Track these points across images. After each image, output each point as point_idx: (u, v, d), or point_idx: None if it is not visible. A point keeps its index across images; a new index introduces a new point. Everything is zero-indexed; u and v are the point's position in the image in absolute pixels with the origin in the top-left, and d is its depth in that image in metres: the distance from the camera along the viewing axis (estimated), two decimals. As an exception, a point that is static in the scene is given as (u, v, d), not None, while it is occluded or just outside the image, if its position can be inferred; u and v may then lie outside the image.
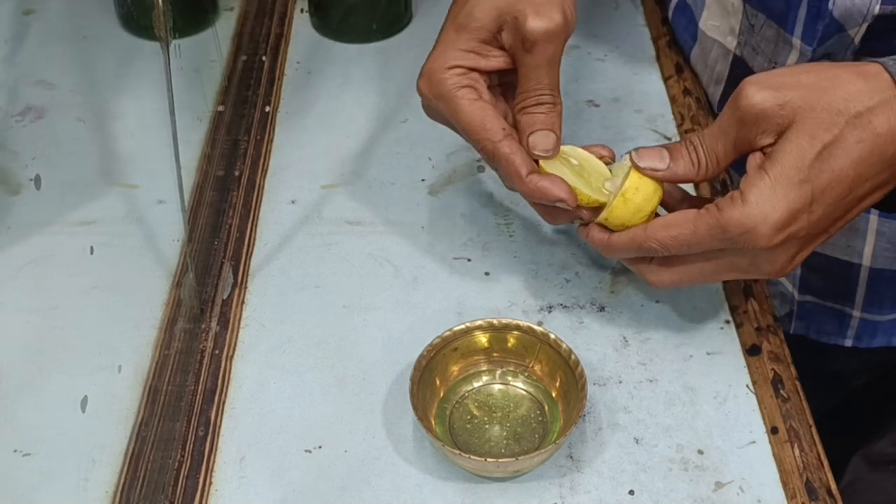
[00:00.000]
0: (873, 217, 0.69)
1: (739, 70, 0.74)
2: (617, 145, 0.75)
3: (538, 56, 0.58)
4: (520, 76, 0.60)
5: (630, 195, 0.57)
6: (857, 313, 0.74)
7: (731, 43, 0.75)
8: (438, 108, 0.61)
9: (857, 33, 0.64)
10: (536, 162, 0.59)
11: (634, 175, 0.57)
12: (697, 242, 0.55)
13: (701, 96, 0.80)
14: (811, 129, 0.52)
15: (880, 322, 0.75)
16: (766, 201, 0.52)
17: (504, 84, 0.63)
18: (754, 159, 0.54)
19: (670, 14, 0.84)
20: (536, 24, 0.57)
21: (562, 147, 0.60)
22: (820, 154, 0.52)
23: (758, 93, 0.53)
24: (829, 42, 0.65)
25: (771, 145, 0.53)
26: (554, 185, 0.57)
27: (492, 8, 0.59)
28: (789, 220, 0.52)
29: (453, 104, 0.60)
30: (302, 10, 0.91)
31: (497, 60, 0.60)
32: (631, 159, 0.57)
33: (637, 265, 0.59)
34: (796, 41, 0.67)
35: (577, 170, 0.59)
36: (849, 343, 0.76)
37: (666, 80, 0.83)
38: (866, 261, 0.71)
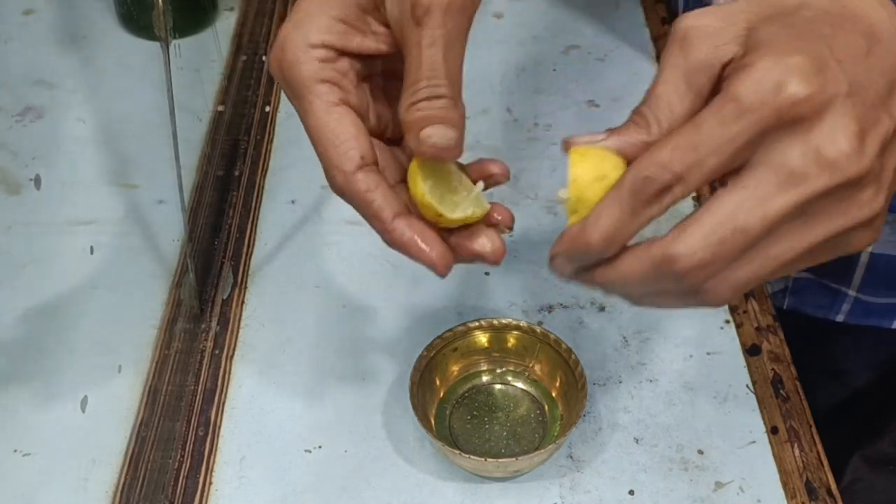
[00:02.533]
0: None
1: None
2: (617, 145, 0.75)
3: (432, 29, 0.42)
4: (407, 62, 0.44)
5: (579, 179, 0.42)
6: (852, 292, 0.74)
7: None
8: (289, 96, 0.47)
9: None
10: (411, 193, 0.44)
11: (575, 155, 0.42)
12: (708, 140, 0.38)
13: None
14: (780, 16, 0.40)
15: (874, 304, 0.75)
16: (773, 54, 0.38)
17: (389, 75, 0.48)
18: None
19: (680, 7, 0.84)
20: None
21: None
22: (809, 19, 0.40)
23: (697, 16, 0.41)
24: None
25: (739, 59, 0.40)
26: (426, 241, 0.44)
27: None
28: (819, 66, 0.38)
29: (305, 102, 0.45)
30: (302, 10, 0.91)
31: (376, 40, 0.45)
32: (563, 145, 0.43)
33: (649, 255, 0.40)
34: None
35: (452, 186, 0.46)
36: (840, 318, 0.76)
37: (666, 79, 0.82)
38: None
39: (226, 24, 0.90)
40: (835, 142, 0.38)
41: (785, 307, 0.78)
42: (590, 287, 0.44)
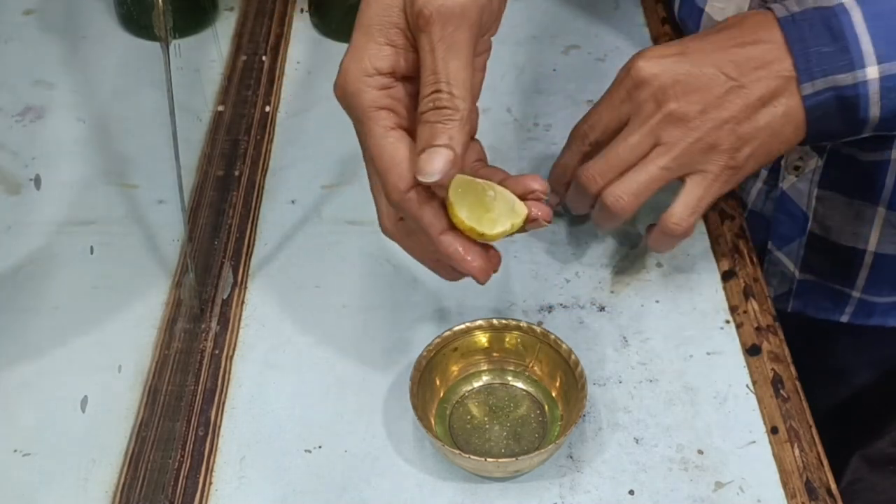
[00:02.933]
0: (881, 209, 0.69)
1: None
2: (617, 145, 0.75)
3: (434, 35, 0.48)
4: (420, 70, 0.49)
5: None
6: (856, 293, 0.74)
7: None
8: (352, 119, 0.53)
9: None
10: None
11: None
12: (607, 100, 0.61)
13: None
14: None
15: (878, 303, 0.75)
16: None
17: None
18: None
19: (676, 9, 0.84)
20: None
21: (480, 181, 0.51)
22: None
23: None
24: None
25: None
26: (469, 254, 0.50)
27: None
28: (664, 49, 0.60)
29: (366, 127, 0.51)
30: (302, 10, 0.91)
31: (414, 56, 0.51)
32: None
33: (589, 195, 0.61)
34: None
35: (486, 204, 0.51)
36: (845, 319, 0.76)
37: (666, 80, 0.82)
38: (871, 246, 0.71)
39: (226, 24, 0.90)
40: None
41: (789, 310, 0.78)
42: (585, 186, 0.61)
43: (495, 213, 0.51)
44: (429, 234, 0.50)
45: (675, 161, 0.58)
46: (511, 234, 0.51)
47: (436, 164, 0.48)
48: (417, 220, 0.50)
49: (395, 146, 0.50)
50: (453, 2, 0.48)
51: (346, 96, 0.52)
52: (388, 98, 0.51)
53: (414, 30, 0.49)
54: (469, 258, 0.51)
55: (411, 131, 0.51)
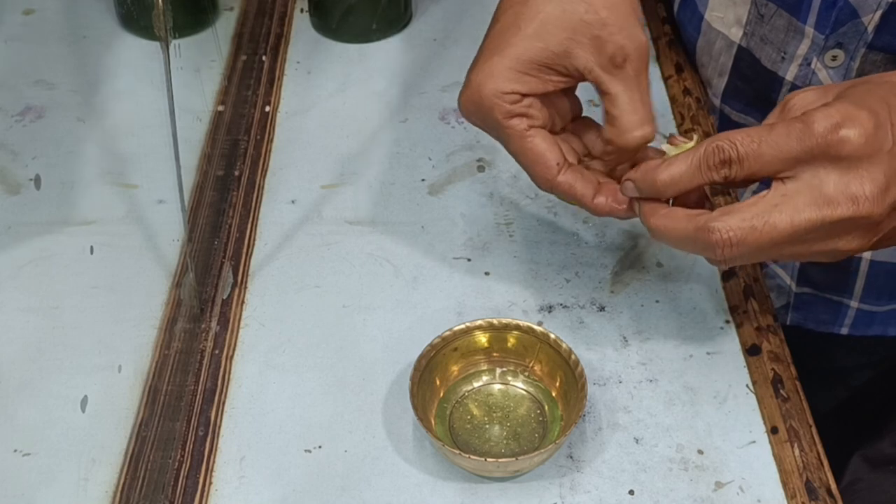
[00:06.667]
0: None
1: (744, 61, 0.74)
2: (617, 145, 0.75)
3: (631, 70, 0.54)
4: (611, 95, 0.55)
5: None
6: (854, 303, 0.74)
7: (735, 34, 0.75)
8: (483, 128, 0.58)
9: (870, 21, 0.64)
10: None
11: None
12: (772, 139, 0.49)
13: (701, 96, 0.80)
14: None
15: (877, 312, 0.75)
16: (849, 103, 0.48)
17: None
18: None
19: (675, 9, 0.84)
20: (625, 38, 0.54)
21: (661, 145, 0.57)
22: (885, 89, 0.50)
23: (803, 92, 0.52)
24: (841, 29, 0.65)
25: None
26: (621, 204, 0.57)
27: (562, 28, 0.54)
28: (877, 123, 0.48)
29: (504, 134, 0.57)
30: (302, 10, 0.91)
31: (553, 84, 0.56)
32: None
33: (695, 221, 0.51)
34: (809, 29, 0.67)
35: None
36: (844, 331, 0.76)
37: (666, 79, 0.83)
38: (867, 254, 0.71)
39: (226, 24, 0.90)
40: (863, 185, 0.48)
41: (788, 323, 0.78)
42: (641, 220, 0.55)
43: None
44: (584, 205, 0.57)
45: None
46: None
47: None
48: (571, 196, 0.57)
49: (532, 143, 0.56)
50: (641, 38, 0.55)
51: (480, 110, 0.56)
52: (520, 107, 0.56)
53: (602, 66, 0.54)
54: (623, 208, 0.56)
55: (543, 126, 0.57)
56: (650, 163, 0.54)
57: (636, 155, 0.57)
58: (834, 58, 0.67)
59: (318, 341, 0.63)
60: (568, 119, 0.59)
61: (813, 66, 0.68)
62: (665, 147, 0.56)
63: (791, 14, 0.68)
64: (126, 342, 0.63)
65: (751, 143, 0.49)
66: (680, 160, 0.52)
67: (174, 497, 0.55)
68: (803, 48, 0.68)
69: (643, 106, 0.55)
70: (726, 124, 0.78)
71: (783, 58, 0.70)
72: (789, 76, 0.70)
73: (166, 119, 0.58)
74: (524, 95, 0.56)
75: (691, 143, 0.55)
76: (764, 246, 0.50)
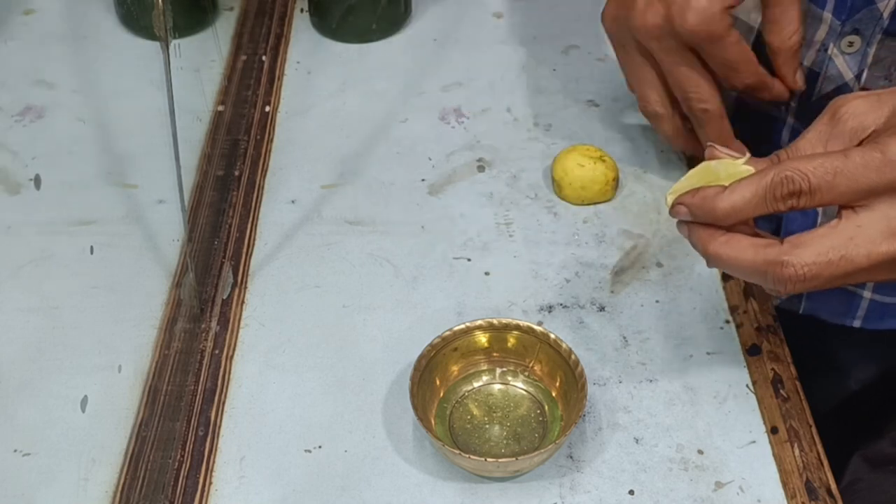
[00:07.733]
0: None
1: (762, 46, 0.74)
2: (617, 145, 0.76)
3: None
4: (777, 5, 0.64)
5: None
6: (867, 294, 0.74)
7: (755, 20, 0.74)
8: (690, 45, 0.64)
9: (886, 7, 0.64)
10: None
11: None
12: (848, 170, 0.47)
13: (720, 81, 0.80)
14: None
15: (890, 304, 0.74)
16: None
17: None
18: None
19: None
20: None
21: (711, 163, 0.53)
22: None
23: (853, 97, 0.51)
24: (857, 15, 0.65)
25: (881, 131, 0.49)
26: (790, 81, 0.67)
27: None
28: None
29: (726, 41, 0.63)
30: (302, 10, 0.91)
31: None
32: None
33: (763, 253, 0.49)
34: (826, 15, 0.67)
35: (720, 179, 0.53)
36: (857, 324, 0.76)
37: (666, 79, 0.83)
38: None
39: (226, 23, 0.90)
40: None
41: (801, 312, 0.77)
42: (691, 243, 0.52)
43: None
44: (785, 82, 0.66)
45: None
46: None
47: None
48: (785, 80, 0.66)
49: (747, 48, 0.64)
50: None
51: (708, 23, 0.62)
52: (731, 18, 0.63)
53: None
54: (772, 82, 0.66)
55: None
56: (708, 189, 0.50)
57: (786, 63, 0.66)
58: (850, 44, 0.67)
59: (318, 341, 0.63)
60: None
61: (830, 51, 0.68)
62: (713, 164, 0.52)
63: (810, 0, 0.68)
64: (126, 342, 0.63)
65: (825, 174, 0.47)
66: (742, 188, 0.49)
67: (174, 497, 0.55)
68: (821, 34, 0.68)
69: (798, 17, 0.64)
70: (742, 108, 0.77)
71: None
72: (807, 62, 0.70)
73: (166, 119, 0.58)
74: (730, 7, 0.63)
75: (741, 161, 0.51)
76: (836, 279, 0.48)
